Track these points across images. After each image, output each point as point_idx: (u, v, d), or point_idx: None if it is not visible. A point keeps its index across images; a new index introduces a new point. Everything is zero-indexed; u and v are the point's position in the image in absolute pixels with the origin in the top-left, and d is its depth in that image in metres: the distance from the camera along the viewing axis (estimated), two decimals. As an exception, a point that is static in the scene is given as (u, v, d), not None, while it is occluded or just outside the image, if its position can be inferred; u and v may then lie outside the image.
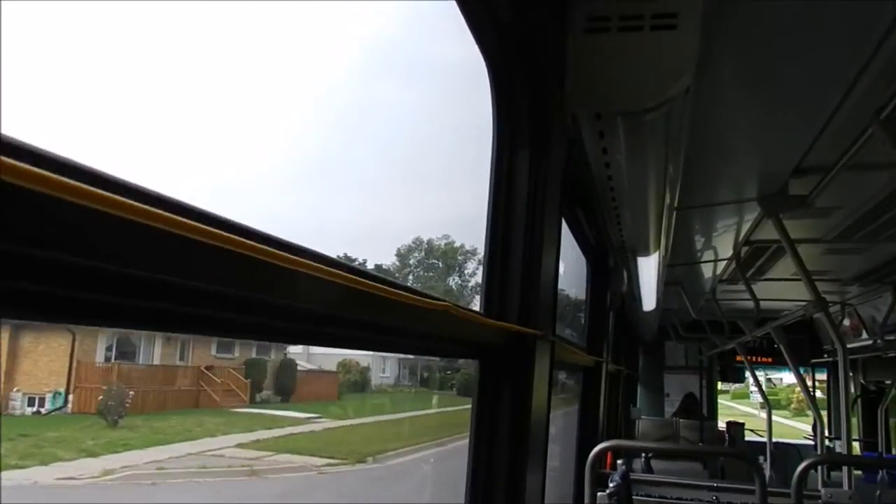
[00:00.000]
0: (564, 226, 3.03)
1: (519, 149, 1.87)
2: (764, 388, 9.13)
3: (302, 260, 0.83)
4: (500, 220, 1.87)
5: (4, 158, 0.48)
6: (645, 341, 10.91)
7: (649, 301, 6.06)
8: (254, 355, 7.08)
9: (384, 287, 1.04)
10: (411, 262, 10.54)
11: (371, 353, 9.30)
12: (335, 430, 7.54)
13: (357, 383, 9.15)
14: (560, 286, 2.47)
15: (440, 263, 10.97)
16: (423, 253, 10.90)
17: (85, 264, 0.58)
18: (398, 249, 10.32)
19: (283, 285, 0.81)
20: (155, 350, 5.58)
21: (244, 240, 0.72)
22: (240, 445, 5.96)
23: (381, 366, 9.87)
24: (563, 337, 3.61)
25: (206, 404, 6.09)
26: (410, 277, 10.12)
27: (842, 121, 2.66)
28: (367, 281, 1.01)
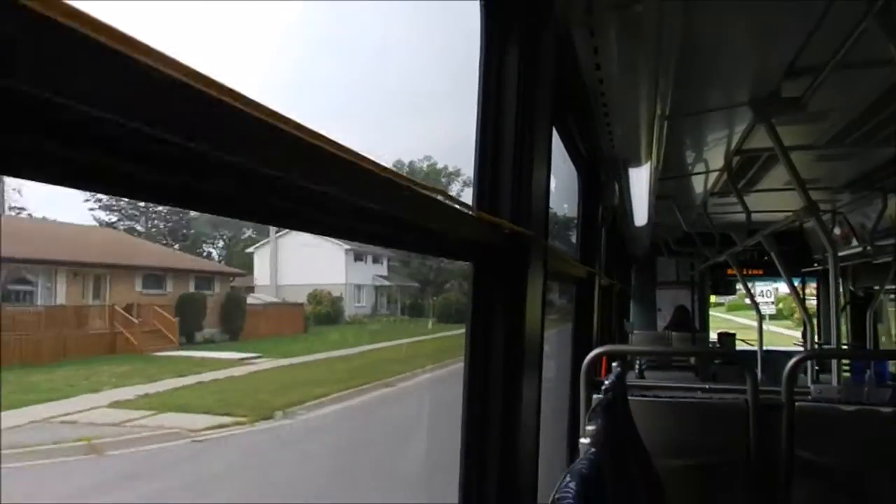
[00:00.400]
0: (556, 137, 3.00)
1: (508, 46, 1.83)
2: (756, 298, 9.25)
3: (299, 135, 0.81)
4: (489, 120, 1.84)
5: None
6: (637, 257, 10.99)
7: (641, 216, 6.07)
8: (191, 289, 6.28)
9: (381, 166, 1.02)
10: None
11: (345, 281, 8.88)
12: (264, 373, 6.29)
13: (329, 315, 8.41)
14: (552, 202, 2.46)
15: (422, 187, 10.78)
16: (405, 177, 10.75)
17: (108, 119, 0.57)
18: (377, 174, 10.17)
19: (271, 151, 0.79)
20: (57, 288, 4.61)
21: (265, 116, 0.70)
22: (114, 404, 4.92)
23: (355, 295, 9.22)
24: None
25: (125, 349, 5.26)
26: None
27: (836, 16, 2.61)
28: (374, 162, 1.00)
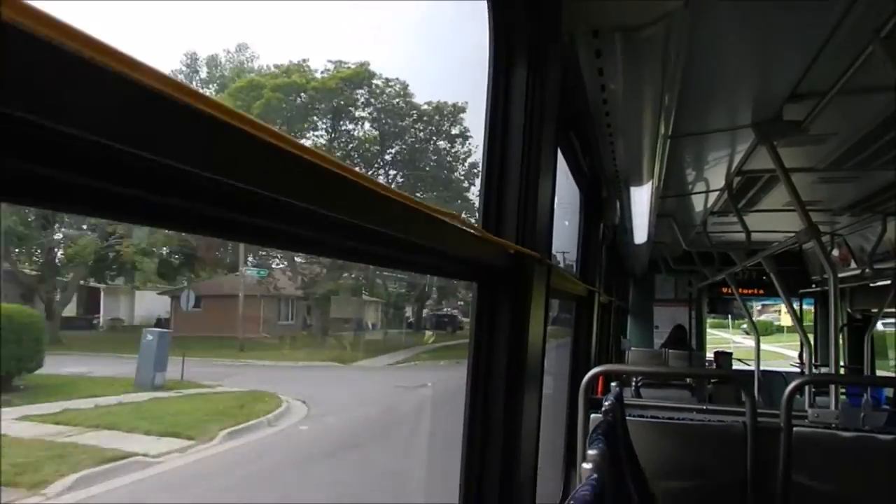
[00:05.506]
0: (559, 154, 3.01)
1: (516, 67, 1.84)
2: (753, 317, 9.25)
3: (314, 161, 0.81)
4: (496, 139, 1.85)
5: None
6: (635, 274, 10.99)
7: (641, 233, 6.08)
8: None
9: (395, 192, 1.03)
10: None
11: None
12: None
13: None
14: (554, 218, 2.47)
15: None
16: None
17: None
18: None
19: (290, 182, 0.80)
20: None
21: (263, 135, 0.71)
22: None
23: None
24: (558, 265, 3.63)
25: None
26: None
27: (840, 41, 2.62)
28: (391, 189, 1.00)
